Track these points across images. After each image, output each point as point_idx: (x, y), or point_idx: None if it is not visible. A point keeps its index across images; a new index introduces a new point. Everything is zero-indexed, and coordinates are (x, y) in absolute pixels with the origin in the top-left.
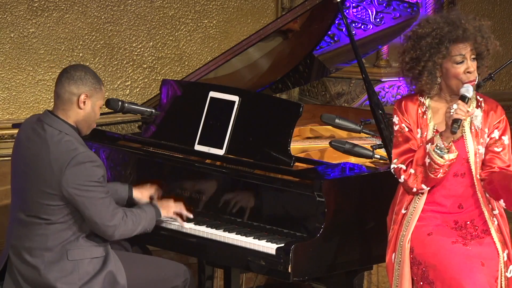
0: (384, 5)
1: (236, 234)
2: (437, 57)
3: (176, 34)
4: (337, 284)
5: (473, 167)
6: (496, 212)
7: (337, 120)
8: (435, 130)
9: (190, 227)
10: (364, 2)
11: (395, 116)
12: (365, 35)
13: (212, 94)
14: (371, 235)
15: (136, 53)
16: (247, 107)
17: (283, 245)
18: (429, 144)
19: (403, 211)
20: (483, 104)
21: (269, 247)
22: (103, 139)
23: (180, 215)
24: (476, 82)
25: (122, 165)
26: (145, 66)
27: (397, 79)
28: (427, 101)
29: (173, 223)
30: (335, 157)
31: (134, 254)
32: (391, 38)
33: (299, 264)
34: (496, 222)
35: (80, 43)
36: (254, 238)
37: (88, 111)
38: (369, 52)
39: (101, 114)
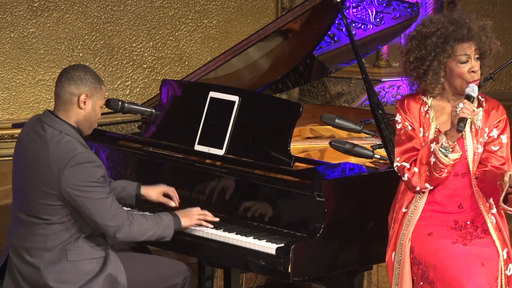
0: (384, 5)
1: (236, 234)
2: (442, 57)
3: (176, 34)
4: (337, 284)
5: (471, 166)
6: (494, 210)
7: (337, 120)
8: (437, 130)
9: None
10: (364, 2)
11: (397, 114)
12: (365, 35)
13: (212, 94)
14: (371, 235)
15: (136, 53)
16: (247, 107)
17: (283, 245)
18: (434, 143)
19: (404, 210)
20: (484, 104)
21: (269, 247)
22: (103, 139)
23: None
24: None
25: (122, 165)
26: (145, 66)
27: (397, 79)
28: (429, 101)
29: None
30: (335, 157)
31: (134, 253)
32: (391, 38)
33: (299, 264)
34: (494, 221)
35: (80, 43)
36: (254, 238)
37: (89, 111)
38: (369, 52)
39: (101, 114)
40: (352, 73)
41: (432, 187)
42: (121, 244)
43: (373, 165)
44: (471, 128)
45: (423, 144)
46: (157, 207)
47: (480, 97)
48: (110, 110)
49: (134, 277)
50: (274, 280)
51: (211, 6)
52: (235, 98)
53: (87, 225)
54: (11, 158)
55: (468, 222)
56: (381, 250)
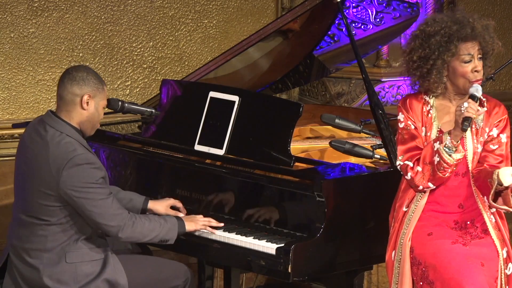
0: (384, 5)
1: (236, 234)
2: (446, 56)
3: (176, 34)
4: (337, 284)
5: (470, 166)
6: (494, 210)
7: (337, 120)
8: (439, 130)
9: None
10: (364, 2)
11: (400, 113)
12: (365, 35)
13: (212, 94)
14: (371, 235)
15: (136, 53)
16: (247, 107)
17: (283, 245)
18: (437, 142)
19: (404, 209)
20: (485, 104)
21: (269, 247)
22: (103, 139)
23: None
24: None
25: (122, 165)
26: (145, 66)
27: (397, 79)
28: (431, 100)
29: None
30: (335, 157)
31: (135, 255)
32: (391, 38)
33: (299, 264)
34: (494, 220)
35: (80, 43)
36: (254, 238)
37: (92, 112)
38: (369, 52)
39: None
40: (352, 73)
41: (434, 187)
42: (121, 245)
43: (373, 165)
44: (471, 127)
45: (425, 143)
46: None
47: (481, 97)
48: (110, 110)
49: (135, 279)
50: (274, 280)
51: (211, 6)
52: (235, 98)
53: (87, 226)
54: (11, 158)
55: (468, 222)
56: (381, 250)
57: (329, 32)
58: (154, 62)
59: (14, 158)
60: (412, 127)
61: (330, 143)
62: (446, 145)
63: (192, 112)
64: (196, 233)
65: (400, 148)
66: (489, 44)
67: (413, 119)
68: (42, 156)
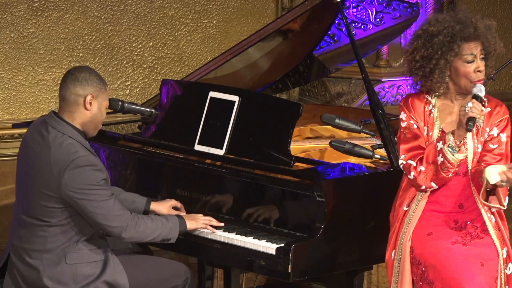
0: (384, 5)
1: (236, 234)
2: (449, 55)
3: (176, 34)
4: (337, 284)
5: (470, 166)
6: (494, 209)
7: (337, 120)
8: (440, 130)
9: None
10: (364, 2)
11: (402, 112)
12: (365, 35)
13: (212, 94)
14: (371, 235)
15: (136, 53)
16: (247, 107)
17: (283, 245)
18: (440, 142)
19: (405, 208)
20: (487, 104)
21: (269, 247)
22: (103, 139)
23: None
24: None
25: (122, 165)
26: (145, 66)
27: (397, 79)
28: (433, 100)
29: None
30: (335, 157)
31: (134, 255)
32: (391, 38)
33: (299, 264)
34: (493, 220)
35: (80, 43)
36: (254, 238)
37: (95, 112)
38: (369, 52)
39: None
40: (352, 73)
41: (437, 187)
42: (122, 245)
43: (373, 165)
44: None
45: (427, 143)
46: None
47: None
48: (110, 110)
49: (135, 279)
50: (274, 280)
51: (211, 6)
52: (235, 98)
53: (87, 228)
54: (11, 158)
55: (468, 222)
56: (381, 250)
57: (329, 32)
58: (154, 62)
59: (14, 158)
60: (415, 126)
61: (330, 143)
62: (450, 145)
63: (192, 112)
64: (196, 233)
65: (402, 147)
66: (492, 44)
67: (415, 118)
68: (43, 157)
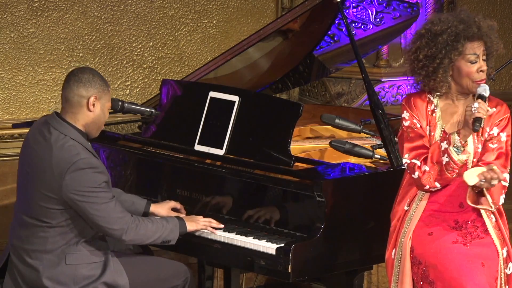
0: (384, 5)
1: (236, 234)
2: (453, 54)
3: (176, 34)
4: (337, 284)
5: (470, 166)
6: (494, 209)
7: (337, 120)
8: (442, 130)
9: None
10: (364, 2)
11: (404, 111)
12: (365, 35)
13: (212, 94)
14: (371, 235)
15: (136, 53)
16: (247, 107)
17: (283, 245)
18: (444, 142)
19: (406, 208)
20: (487, 104)
21: (269, 247)
22: (103, 139)
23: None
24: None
25: (122, 165)
26: (145, 66)
27: (397, 79)
28: (435, 100)
29: None
30: (335, 157)
31: (134, 255)
32: (391, 38)
33: (299, 264)
34: (494, 219)
35: (80, 43)
36: (254, 238)
37: (98, 113)
38: (369, 52)
39: None
40: (352, 73)
41: (441, 187)
42: (122, 246)
43: (373, 165)
44: None
45: (432, 143)
46: None
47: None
48: (110, 110)
49: (134, 279)
50: (274, 280)
51: (211, 6)
52: (235, 98)
53: (88, 229)
54: (11, 158)
55: (469, 222)
56: (381, 250)
57: (329, 32)
58: (154, 62)
59: (14, 158)
60: (418, 125)
61: (330, 143)
62: (455, 145)
63: (192, 112)
64: (196, 233)
65: (406, 146)
66: (494, 45)
67: (418, 117)
68: (45, 158)
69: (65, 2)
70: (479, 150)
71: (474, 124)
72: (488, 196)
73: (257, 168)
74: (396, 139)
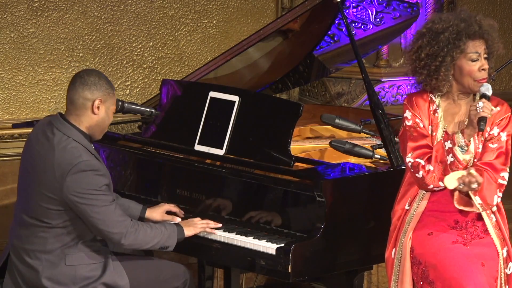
0: (384, 5)
1: (236, 234)
2: (455, 52)
3: (176, 34)
4: (337, 284)
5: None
6: (494, 209)
7: (337, 120)
8: (444, 130)
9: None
10: (364, 2)
11: (406, 111)
12: (365, 35)
13: (212, 94)
14: (371, 235)
15: (136, 53)
16: (247, 107)
17: (283, 245)
18: (448, 142)
19: (407, 207)
20: None
21: (269, 247)
22: (103, 139)
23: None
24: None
25: (122, 165)
26: (145, 66)
27: (397, 79)
28: (437, 100)
29: None
30: (335, 157)
31: (133, 257)
32: (391, 38)
33: (299, 264)
34: (494, 219)
35: (80, 43)
36: (254, 238)
37: (102, 116)
38: (369, 52)
39: None
40: (352, 73)
41: (443, 186)
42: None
43: (373, 165)
44: None
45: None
46: None
47: None
48: None
49: (134, 281)
50: (274, 280)
51: (211, 6)
52: (235, 98)
53: (88, 230)
54: (11, 158)
55: (469, 222)
56: (381, 250)
57: (329, 32)
58: (154, 62)
59: (14, 158)
60: (421, 125)
61: (330, 143)
62: (460, 145)
63: (192, 112)
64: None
65: (410, 145)
66: (495, 43)
67: (420, 117)
68: (47, 159)
69: (65, 2)
70: (479, 150)
71: (479, 124)
72: (475, 199)
73: (257, 168)
74: (396, 139)
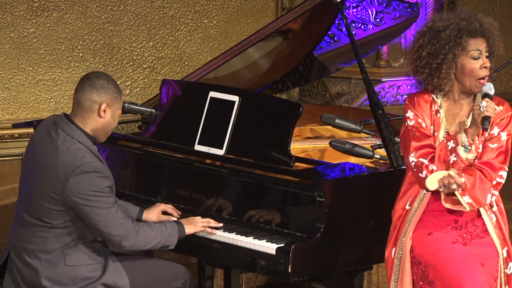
0: (384, 5)
1: (236, 234)
2: (456, 50)
3: (176, 34)
4: (337, 284)
5: None
6: (494, 209)
7: (337, 120)
8: (446, 131)
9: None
10: (364, 2)
11: (408, 111)
12: (365, 35)
13: (212, 94)
14: (371, 235)
15: (136, 53)
16: (247, 107)
17: (283, 245)
18: (451, 141)
19: (407, 207)
20: None
21: (269, 247)
22: None
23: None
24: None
25: (122, 165)
26: (145, 66)
27: (397, 79)
28: (439, 100)
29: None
30: (335, 157)
31: (134, 257)
32: (391, 38)
33: (299, 264)
34: (494, 219)
35: (80, 43)
36: (254, 238)
37: (108, 120)
38: (369, 52)
39: None
40: (352, 73)
41: None
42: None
43: (373, 165)
44: None
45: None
46: None
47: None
48: None
49: (134, 281)
50: (274, 280)
51: (211, 6)
52: (235, 98)
53: (88, 231)
54: (11, 158)
55: (469, 222)
56: (381, 250)
57: (329, 32)
58: (154, 62)
59: (14, 158)
60: (423, 125)
61: (330, 143)
62: (463, 144)
63: (192, 112)
64: (196, 234)
65: (413, 145)
66: (496, 42)
67: (422, 117)
68: (50, 159)
69: (65, 2)
70: (479, 150)
71: (483, 123)
72: (463, 198)
73: (257, 168)
74: (396, 139)
